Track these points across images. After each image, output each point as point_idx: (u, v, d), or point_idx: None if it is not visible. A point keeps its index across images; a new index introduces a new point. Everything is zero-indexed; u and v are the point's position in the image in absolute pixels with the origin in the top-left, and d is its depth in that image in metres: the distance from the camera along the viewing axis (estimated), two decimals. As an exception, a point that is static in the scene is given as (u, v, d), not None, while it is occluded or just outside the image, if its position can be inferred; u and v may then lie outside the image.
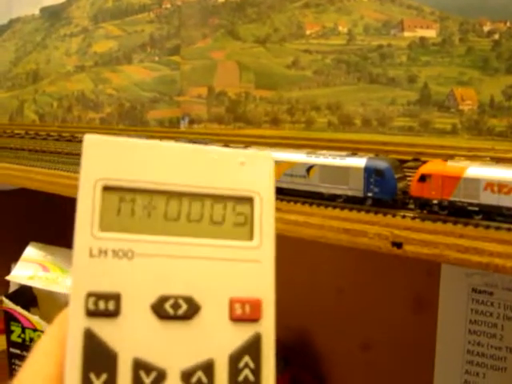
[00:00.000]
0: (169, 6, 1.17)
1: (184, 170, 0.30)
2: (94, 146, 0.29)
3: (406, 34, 0.84)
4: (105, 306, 0.27)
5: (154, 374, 0.27)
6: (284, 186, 0.60)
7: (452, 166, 0.51)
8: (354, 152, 0.60)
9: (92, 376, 0.27)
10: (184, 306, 0.28)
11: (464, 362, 0.77)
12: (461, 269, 0.74)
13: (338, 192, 0.57)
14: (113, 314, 0.28)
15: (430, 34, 0.81)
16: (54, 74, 1.43)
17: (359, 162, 0.56)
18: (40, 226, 1.10)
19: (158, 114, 1.19)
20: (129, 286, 0.28)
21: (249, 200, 0.31)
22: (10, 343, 0.99)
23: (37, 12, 1.47)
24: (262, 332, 0.29)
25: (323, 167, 0.57)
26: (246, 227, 0.30)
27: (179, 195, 0.30)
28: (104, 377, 0.27)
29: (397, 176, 0.55)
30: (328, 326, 0.93)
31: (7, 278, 1.02)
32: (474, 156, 0.62)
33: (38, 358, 0.29)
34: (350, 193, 0.56)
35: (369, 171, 0.55)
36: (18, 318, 0.96)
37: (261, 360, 0.29)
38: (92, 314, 0.27)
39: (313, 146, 0.68)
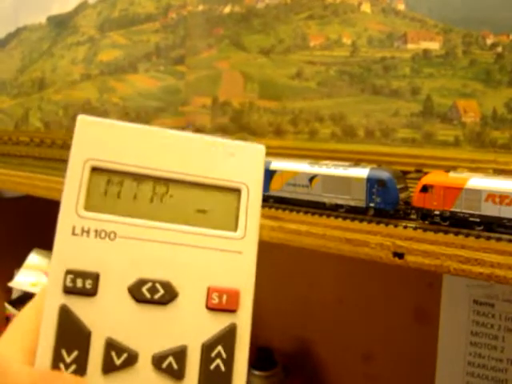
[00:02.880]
0: (174, 16, 1.18)
1: (174, 156, 0.30)
2: (86, 126, 0.30)
3: (410, 46, 0.84)
4: (82, 284, 0.28)
5: (124, 356, 0.28)
6: (286, 195, 0.61)
7: (454, 177, 0.51)
8: (357, 163, 0.61)
9: (63, 352, 0.27)
10: (161, 291, 0.29)
11: (465, 374, 0.76)
12: (462, 280, 0.74)
13: (340, 202, 0.57)
14: (90, 292, 0.28)
15: (434, 46, 0.82)
16: (60, 82, 1.44)
17: (362, 172, 0.56)
18: (43, 233, 1.10)
19: (162, 124, 1.20)
20: (108, 267, 0.28)
21: (236, 191, 0.31)
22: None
23: (44, 21, 1.48)
24: (238, 323, 0.29)
25: (326, 177, 0.58)
26: (230, 218, 0.30)
27: (166, 181, 0.30)
28: (75, 354, 0.27)
29: (399, 186, 0.55)
30: (329, 337, 0.92)
31: (10, 284, 1.02)
32: (476, 168, 0.62)
33: (17, 329, 0.29)
34: (352, 203, 0.56)
35: (371, 181, 0.55)
36: (21, 324, 0.96)
37: (234, 351, 0.29)
38: (69, 291, 0.28)
39: (316, 156, 0.68)
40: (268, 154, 0.75)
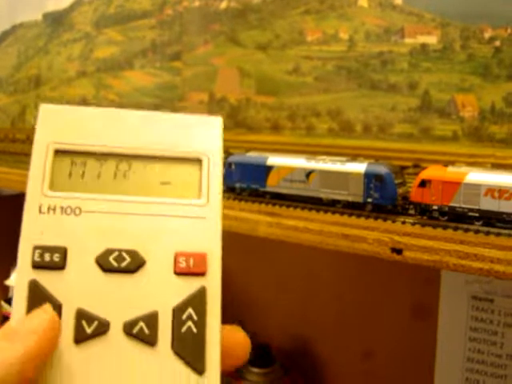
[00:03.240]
0: (170, 12, 1.17)
1: (134, 134, 0.31)
2: (48, 112, 0.31)
3: (407, 40, 0.84)
4: (50, 258, 0.28)
5: (95, 324, 0.28)
6: (283, 191, 0.60)
7: (452, 172, 0.51)
8: (354, 158, 0.60)
9: None
10: (127, 259, 0.29)
11: (464, 370, 0.76)
12: (461, 276, 0.74)
13: (338, 197, 0.57)
14: (58, 266, 0.28)
15: (431, 40, 0.81)
16: (56, 79, 1.43)
17: (359, 167, 0.55)
18: (40, 231, 1.09)
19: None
20: (75, 241, 0.29)
21: (197, 161, 0.32)
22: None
23: (39, 17, 1.48)
24: (207, 285, 0.30)
25: (323, 172, 0.57)
26: (193, 187, 0.31)
27: (129, 158, 0.31)
28: None
29: (397, 181, 0.54)
30: (328, 333, 0.92)
31: (6, 282, 1.02)
32: (474, 162, 0.62)
33: None
34: (349, 198, 0.56)
35: (369, 177, 0.55)
36: (17, 322, 0.95)
37: (205, 312, 0.29)
38: (38, 266, 0.28)
39: (313, 151, 0.68)
40: (265, 149, 0.74)
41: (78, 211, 0.29)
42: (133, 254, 0.29)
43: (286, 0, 0.98)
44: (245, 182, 0.62)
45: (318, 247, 0.53)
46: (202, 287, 0.29)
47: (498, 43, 0.75)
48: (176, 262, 0.29)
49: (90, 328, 0.28)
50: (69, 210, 0.29)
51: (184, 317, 0.29)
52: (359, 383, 0.90)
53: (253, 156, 0.64)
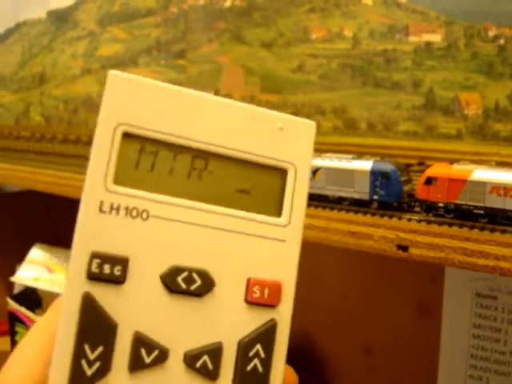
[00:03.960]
0: (175, 10, 1.17)
1: (216, 126, 0.26)
2: (119, 84, 0.25)
3: (412, 38, 0.84)
4: (110, 270, 0.24)
5: (155, 353, 0.25)
6: (290, 188, 0.60)
7: (458, 169, 0.51)
8: (360, 155, 0.61)
9: (86, 347, 0.24)
10: (198, 281, 0.25)
11: (468, 367, 0.76)
12: (465, 273, 0.74)
13: (344, 195, 0.57)
14: (118, 280, 0.24)
15: (436, 38, 0.82)
16: (61, 76, 1.44)
17: (365, 164, 0.56)
18: (45, 228, 1.10)
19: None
20: (139, 251, 0.25)
21: (282, 172, 0.27)
22: (15, 344, 0.99)
23: (44, 15, 1.48)
24: (278, 319, 0.27)
25: (329, 170, 0.58)
26: (275, 202, 0.27)
27: (206, 155, 0.26)
28: (99, 350, 0.24)
29: (403, 179, 0.55)
30: (331, 330, 0.93)
31: (12, 279, 1.02)
32: (478, 160, 0.62)
33: (25, 354, 0.26)
34: (355, 195, 0.56)
35: (375, 174, 0.55)
36: (23, 319, 0.96)
37: (273, 350, 0.26)
38: (95, 277, 0.24)
39: (318, 149, 0.68)
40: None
41: (145, 215, 0.25)
42: (203, 275, 0.25)
43: (290, -2, 0.98)
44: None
45: (324, 244, 0.54)
46: (273, 321, 0.26)
47: (502, 41, 0.75)
48: (249, 289, 0.26)
49: (148, 356, 0.24)
50: (135, 213, 0.25)
51: (251, 354, 0.26)
52: (364, 380, 0.90)
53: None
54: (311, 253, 0.87)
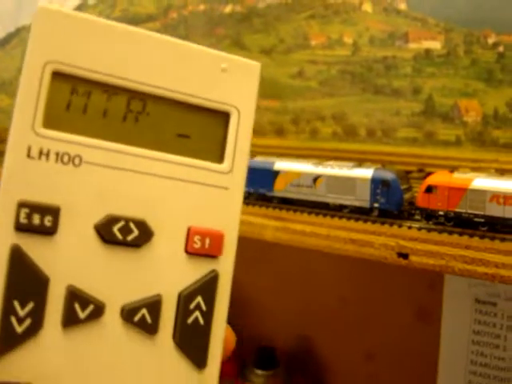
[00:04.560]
0: (175, 15, 1.18)
1: (155, 66, 0.25)
2: (48, 18, 0.23)
3: (411, 45, 0.84)
4: (40, 220, 0.22)
5: (90, 308, 0.23)
6: (290, 195, 0.61)
7: (458, 178, 0.51)
8: (359, 162, 0.61)
9: (16, 304, 0.22)
10: (135, 232, 0.24)
11: (467, 373, 0.77)
12: (464, 279, 0.75)
13: (345, 202, 0.57)
14: (49, 231, 0.23)
15: (435, 45, 0.82)
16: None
17: (366, 172, 0.56)
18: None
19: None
20: (71, 199, 0.23)
21: (224, 115, 0.26)
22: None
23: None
24: (220, 271, 0.26)
25: (330, 178, 0.58)
26: (216, 147, 0.26)
27: (143, 96, 0.25)
28: (30, 306, 0.22)
29: (403, 187, 0.55)
30: (331, 336, 0.93)
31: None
32: (478, 167, 0.62)
33: None
34: (356, 203, 0.57)
35: (375, 182, 0.55)
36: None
37: (214, 303, 0.25)
38: (23, 228, 0.22)
39: (317, 155, 0.69)
40: (269, 153, 0.75)
41: (77, 161, 0.23)
42: (141, 225, 0.24)
43: (290, 5, 0.99)
44: (252, 187, 0.63)
45: (325, 251, 0.54)
46: (214, 272, 0.25)
47: (501, 49, 0.75)
48: (189, 239, 0.25)
49: (82, 311, 0.23)
50: (66, 159, 0.23)
51: (192, 306, 0.25)
52: (362, 385, 0.90)
53: (260, 161, 0.64)
54: (311, 259, 0.87)
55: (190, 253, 0.25)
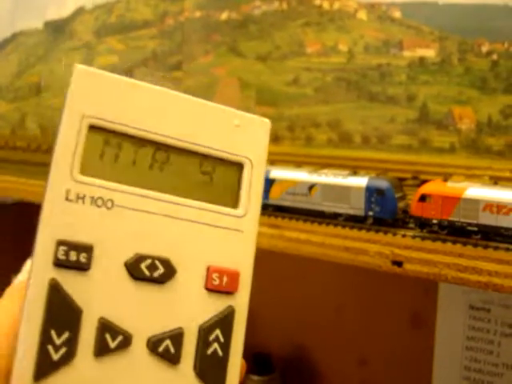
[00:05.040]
0: (171, 22, 1.18)
1: (177, 121, 0.28)
2: (85, 77, 0.26)
3: (406, 53, 0.85)
4: (76, 257, 0.25)
5: (119, 338, 0.25)
6: (286, 203, 0.61)
7: (452, 187, 0.52)
8: (354, 170, 0.61)
9: (53, 333, 0.24)
10: (160, 269, 0.27)
11: (461, 379, 0.77)
12: (458, 286, 0.75)
13: (340, 210, 0.58)
14: (84, 267, 0.25)
15: (429, 53, 0.82)
16: (57, 86, 1.44)
17: (360, 181, 0.57)
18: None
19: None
20: (104, 239, 0.26)
21: (239, 165, 0.29)
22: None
23: (40, 26, 1.48)
24: (236, 306, 0.28)
25: (325, 186, 0.58)
26: (232, 194, 0.29)
27: (168, 148, 0.28)
28: (65, 335, 0.24)
29: (397, 196, 0.55)
30: (326, 343, 0.93)
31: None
32: (472, 175, 0.63)
33: None
34: (351, 211, 0.57)
35: (370, 190, 0.56)
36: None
37: (231, 335, 0.28)
38: (61, 264, 0.25)
39: (312, 162, 0.69)
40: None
41: (109, 204, 0.26)
42: (166, 263, 0.27)
43: (286, 12, 0.99)
44: (247, 195, 0.63)
45: (320, 259, 0.55)
46: (231, 307, 0.28)
47: (495, 57, 0.76)
48: (208, 276, 0.28)
49: (112, 341, 0.25)
50: (100, 202, 0.26)
51: (211, 338, 0.27)
52: (357, 391, 0.90)
53: (256, 169, 0.65)
54: (307, 266, 0.88)
55: (210, 289, 0.28)
